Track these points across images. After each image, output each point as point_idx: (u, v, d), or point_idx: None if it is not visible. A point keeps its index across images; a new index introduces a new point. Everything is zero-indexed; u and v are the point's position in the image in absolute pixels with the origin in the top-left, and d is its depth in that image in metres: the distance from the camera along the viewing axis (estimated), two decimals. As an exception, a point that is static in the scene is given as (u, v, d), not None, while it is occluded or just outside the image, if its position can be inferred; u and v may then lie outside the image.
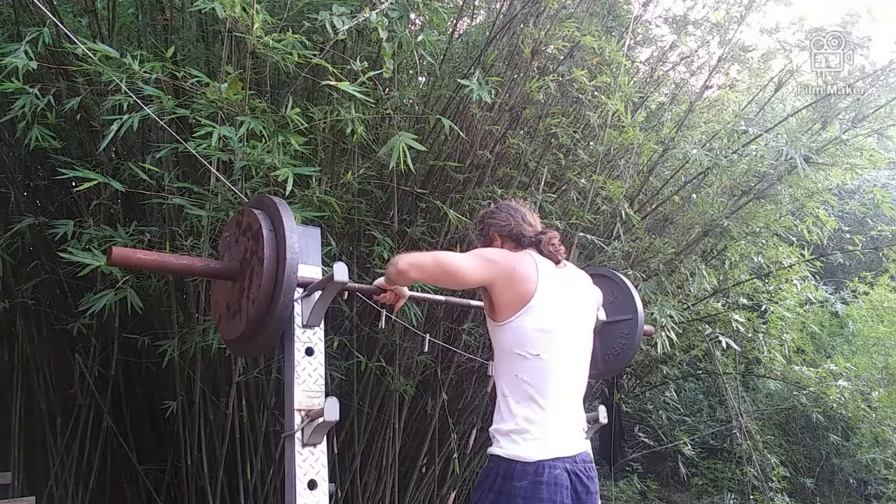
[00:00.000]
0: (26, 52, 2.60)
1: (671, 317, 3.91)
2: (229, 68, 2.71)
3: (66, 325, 3.60)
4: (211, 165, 2.67)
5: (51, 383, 3.95)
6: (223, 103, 2.56)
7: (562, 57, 3.98)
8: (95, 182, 2.65)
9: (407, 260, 1.89)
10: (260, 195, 2.11)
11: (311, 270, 2.04)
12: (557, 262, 2.01)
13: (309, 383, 1.92)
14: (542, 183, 3.90)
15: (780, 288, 6.02)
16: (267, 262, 1.84)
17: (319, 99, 3.30)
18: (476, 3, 4.23)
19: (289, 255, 1.82)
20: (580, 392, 2.00)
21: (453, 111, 3.68)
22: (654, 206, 4.88)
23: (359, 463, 3.86)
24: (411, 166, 2.84)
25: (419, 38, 3.00)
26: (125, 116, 2.56)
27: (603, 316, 2.65)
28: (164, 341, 3.34)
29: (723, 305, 5.55)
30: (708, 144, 4.76)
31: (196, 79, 2.61)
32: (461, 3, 3.90)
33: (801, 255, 5.62)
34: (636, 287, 2.92)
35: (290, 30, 2.71)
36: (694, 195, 4.92)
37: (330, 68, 2.67)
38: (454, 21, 3.74)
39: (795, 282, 5.92)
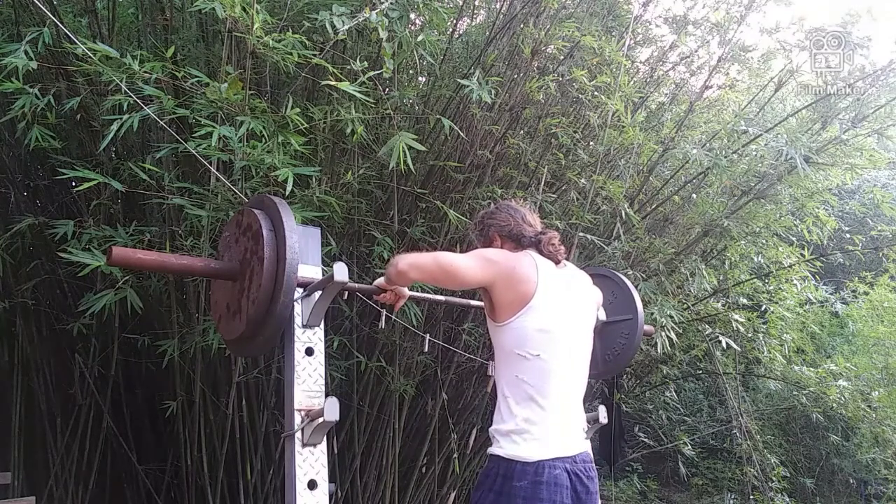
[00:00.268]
0: (26, 52, 2.60)
1: (671, 317, 3.91)
2: (229, 68, 2.71)
3: (66, 325, 3.60)
4: (211, 165, 2.67)
5: (51, 383, 3.95)
6: (223, 103, 2.56)
7: (562, 57, 3.98)
8: (95, 182, 2.65)
9: (407, 260, 1.89)
10: (260, 195, 2.11)
11: (311, 270, 2.04)
12: (557, 263, 2.01)
13: (309, 383, 1.92)
14: (542, 183, 3.90)
15: (780, 288, 6.02)
16: (267, 262, 1.84)
17: (319, 99, 3.30)
18: (476, 3, 4.23)
19: (289, 255, 1.82)
20: (580, 392, 2.00)
21: (453, 111, 3.68)
22: (654, 206, 4.88)
23: (359, 463, 3.86)
24: (411, 166, 2.84)
25: (419, 38, 3.00)
26: (125, 116, 2.56)
27: (603, 316, 2.65)
28: (164, 341, 3.34)
29: (723, 305, 5.55)
30: (708, 144, 4.76)
31: (196, 79, 2.61)
32: (461, 3, 3.90)
33: (801, 255, 5.62)
34: (636, 287, 2.92)
35: (290, 30, 2.71)
36: (694, 195, 4.92)
37: (330, 68, 2.67)
38: (454, 21, 3.74)
39: (795, 282, 5.92)
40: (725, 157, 4.31)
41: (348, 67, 2.83)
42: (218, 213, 2.77)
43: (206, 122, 2.54)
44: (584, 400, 2.04)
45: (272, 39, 2.55)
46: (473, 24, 4.30)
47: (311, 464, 1.85)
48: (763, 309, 5.97)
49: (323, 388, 1.94)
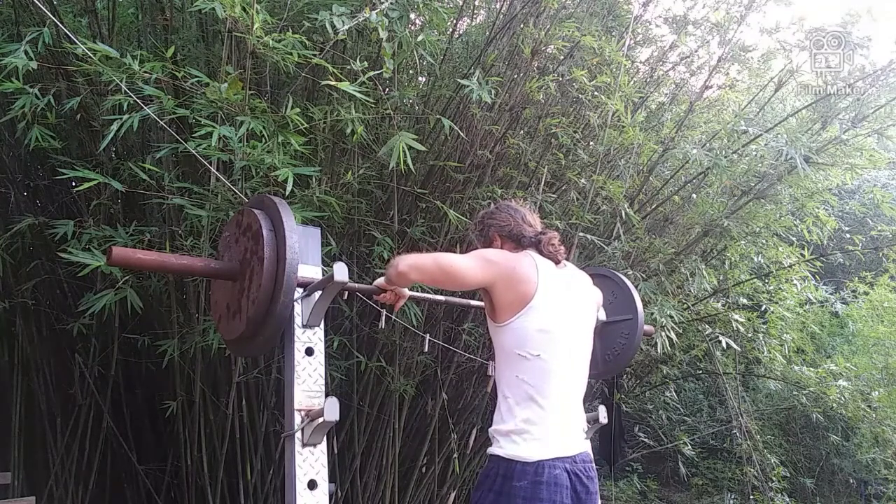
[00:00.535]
0: (26, 52, 2.60)
1: (671, 317, 3.91)
2: (229, 68, 2.71)
3: (66, 325, 3.60)
4: (211, 165, 2.67)
5: (51, 383, 3.95)
6: (223, 103, 2.56)
7: (562, 57, 3.98)
8: (95, 182, 2.65)
9: (407, 261, 1.89)
10: (260, 195, 2.11)
11: (311, 270, 2.04)
12: (557, 263, 2.01)
13: (309, 383, 1.92)
14: (542, 183, 3.90)
15: (780, 288, 6.02)
16: (267, 262, 1.84)
17: (319, 99, 3.30)
18: (476, 3, 4.23)
19: (289, 255, 1.82)
20: (580, 392, 2.00)
21: (453, 111, 3.68)
22: (654, 206, 4.88)
23: (359, 463, 3.86)
24: (411, 166, 2.84)
25: (419, 38, 3.00)
26: (125, 116, 2.56)
27: (603, 316, 2.65)
28: (164, 341, 3.34)
29: (723, 305, 5.55)
30: (708, 144, 4.76)
31: (196, 79, 2.61)
32: (461, 3, 3.90)
33: (801, 255, 5.61)
34: (636, 287, 2.92)
35: (290, 30, 2.71)
36: (694, 195, 4.92)
37: (330, 68, 2.67)
38: (454, 21, 3.74)
39: (795, 282, 5.91)
40: (725, 157, 4.31)
41: (348, 67, 2.83)
42: (218, 213, 2.77)
43: (206, 122, 2.54)
44: (584, 400, 2.04)
45: (272, 39, 2.55)
46: (473, 24, 4.30)
47: (311, 464, 1.85)
48: (763, 309, 5.97)
49: (323, 388, 1.94)
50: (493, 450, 1.86)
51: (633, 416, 8.29)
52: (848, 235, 5.60)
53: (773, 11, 15.27)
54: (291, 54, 2.61)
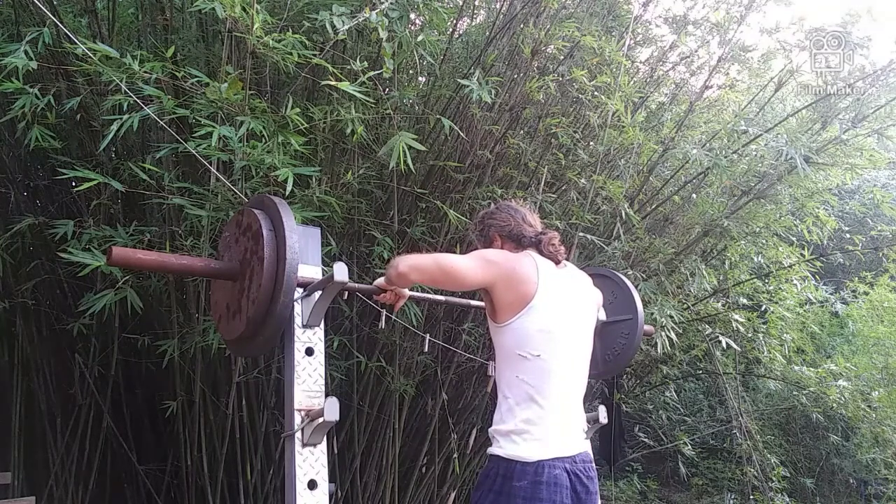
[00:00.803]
0: (26, 52, 2.60)
1: (671, 317, 3.91)
2: (229, 68, 2.71)
3: (66, 325, 3.60)
4: (211, 165, 2.67)
5: (51, 383, 3.95)
6: (223, 103, 2.56)
7: (562, 57, 3.98)
8: (95, 182, 2.65)
9: (407, 262, 1.88)
10: (260, 195, 2.11)
11: (311, 270, 2.04)
12: (557, 263, 2.01)
13: (309, 383, 1.92)
14: (542, 183, 3.90)
15: (780, 288, 6.02)
16: (267, 262, 1.84)
17: (319, 99, 3.30)
18: (476, 3, 4.23)
19: (289, 255, 1.82)
20: (580, 392, 2.00)
21: (453, 111, 3.68)
22: (654, 206, 4.88)
23: (359, 463, 3.86)
24: (411, 166, 2.84)
25: (419, 38, 3.00)
26: (125, 116, 2.56)
27: (603, 316, 2.65)
28: (164, 341, 3.34)
29: (723, 305, 5.55)
30: (708, 144, 4.76)
31: (196, 79, 2.61)
32: (461, 3, 3.90)
33: (801, 255, 5.62)
34: (636, 287, 2.92)
35: (290, 30, 2.71)
36: (694, 195, 4.92)
37: (330, 68, 2.67)
38: (454, 21, 3.73)
39: (795, 282, 5.92)
40: (725, 157, 4.31)
41: (348, 67, 2.83)
42: (218, 213, 2.77)
43: (206, 122, 2.54)
44: (584, 400, 2.04)
45: (272, 39, 2.55)
46: (473, 24, 4.30)
47: (311, 464, 1.85)
48: (763, 309, 5.97)
49: (323, 388, 1.94)
50: (493, 450, 1.86)
51: (633, 416, 8.30)
52: (848, 235, 5.60)
53: (773, 11, 15.29)
54: (291, 54, 2.61)
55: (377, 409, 3.85)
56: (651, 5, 5.00)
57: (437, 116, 3.31)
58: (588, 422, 2.28)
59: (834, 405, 5.72)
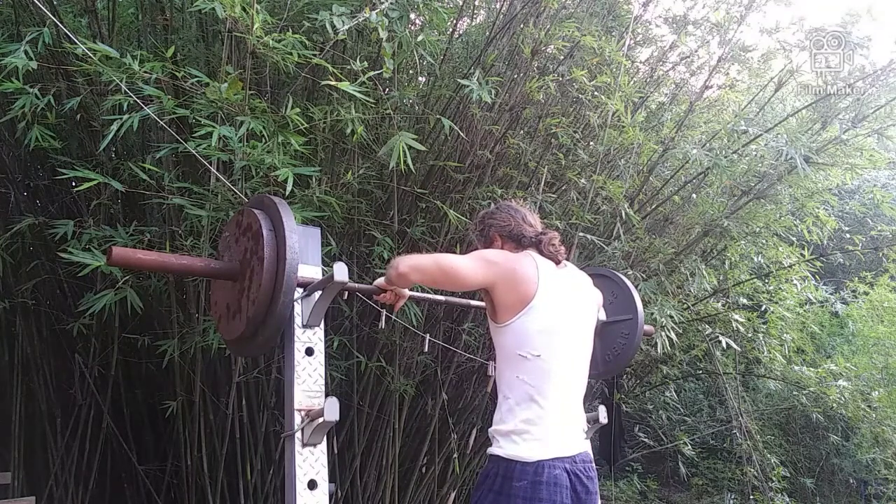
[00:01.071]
0: (26, 52, 2.60)
1: (671, 317, 3.91)
2: (229, 68, 2.71)
3: (66, 325, 3.60)
4: (211, 165, 2.67)
5: (51, 383, 3.95)
6: (223, 103, 2.56)
7: (562, 57, 3.98)
8: (95, 182, 2.65)
9: (407, 262, 1.89)
10: (260, 195, 2.11)
11: (311, 270, 2.04)
12: (558, 263, 2.01)
13: (309, 383, 1.92)
14: (542, 183, 3.90)
15: (780, 288, 6.02)
16: (267, 262, 1.84)
17: (319, 99, 3.30)
18: (476, 3, 4.23)
19: (289, 255, 1.82)
20: (580, 392, 2.00)
21: (453, 111, 3.68)
22: (654, 206, 4.88)
23: (359, 463, 3.86)
24: (411, 166, 2.84)
25: (419, 38, 3.00)
26: (125, 116, 2.56)
27: (603, 316, 2.65)
28: (164, 341, 3.34)
29: (723, 305, 5.55)
30: (708, 144, 4.76)
31: (196, 79, 2.61)
32: (461, 3, 3.90)
33: (801, 255, 5.62)
34: (636, 287, 2.92)
35: (290, 30, 2.71)
36: (694, 195, 4.92)
37: (330, 68, 2.67)
38: (454, 21, 3.73)
39: (795, 282, 5.92)
40: (725, 157, 4.31)
41: (348, 67, 2.83)
42: (218, 213, 2.77)
43: (206, 122, 2.54)
44: (584, 400, 2.04)
45: (272, 39, 2.55)
46: (473, 24, 4.30)
47: (311, 464, 1.85)
48: (763, 309, 5.97)
49: (323, 388, 1.94)
50: (493, 450, 1.86)
51: (633, 416, 8.30)
52: (848, 235, 5.60)
53: (773, 11, 15.27)
54: (291, 54, 2.61)
55: (377, 409, 3.85)
56: (651, 5, 5.01)
57: (437, 116, 3.31)
58: (588, 422, 2.27)
59: (834, 405, 5.72)
